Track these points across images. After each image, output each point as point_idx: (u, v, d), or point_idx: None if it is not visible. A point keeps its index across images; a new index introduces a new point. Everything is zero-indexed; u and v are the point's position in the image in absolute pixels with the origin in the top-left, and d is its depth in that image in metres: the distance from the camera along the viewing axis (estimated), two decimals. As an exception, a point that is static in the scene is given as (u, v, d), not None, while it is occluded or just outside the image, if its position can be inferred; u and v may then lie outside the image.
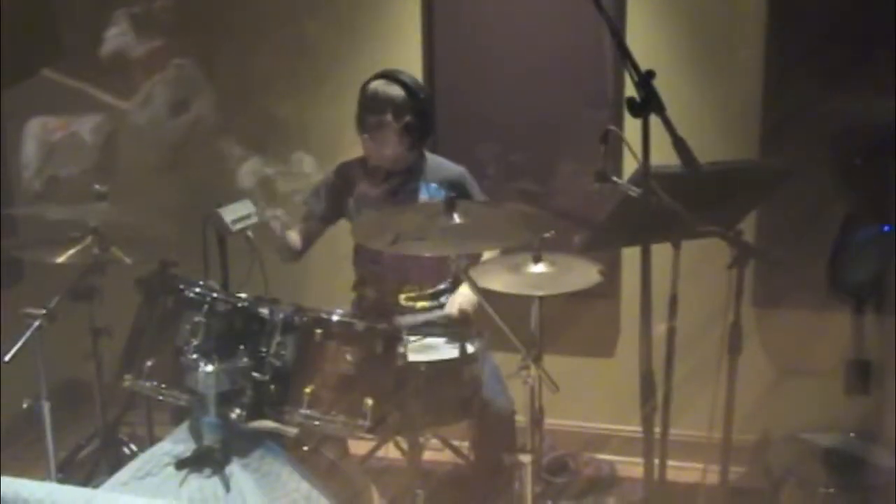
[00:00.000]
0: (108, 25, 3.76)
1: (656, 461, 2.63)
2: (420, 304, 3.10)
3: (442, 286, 3.13)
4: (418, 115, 3.00)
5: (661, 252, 2.48)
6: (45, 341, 2.79)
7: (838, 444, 3.25)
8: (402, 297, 3.12)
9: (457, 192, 3.04)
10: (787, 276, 3.29)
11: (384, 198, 3.11)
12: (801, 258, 3.25)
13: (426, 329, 2.95)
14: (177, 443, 2.52)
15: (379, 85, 3.00)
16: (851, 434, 3.28)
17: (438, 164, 3.16)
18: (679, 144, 2.07)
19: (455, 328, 2.94)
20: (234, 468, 2.40)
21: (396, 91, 2.98)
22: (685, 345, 2.77)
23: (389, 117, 2.97)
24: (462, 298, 2.98)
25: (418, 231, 2.45)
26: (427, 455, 2.99)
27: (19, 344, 2.71)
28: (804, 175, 3.01)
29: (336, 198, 3.19)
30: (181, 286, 2.58)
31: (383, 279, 3.13)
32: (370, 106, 2.99)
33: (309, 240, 3.22)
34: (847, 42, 3.24)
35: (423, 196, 3.10)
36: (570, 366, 3.49)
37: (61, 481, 2.95)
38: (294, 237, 3.15)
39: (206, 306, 2.51)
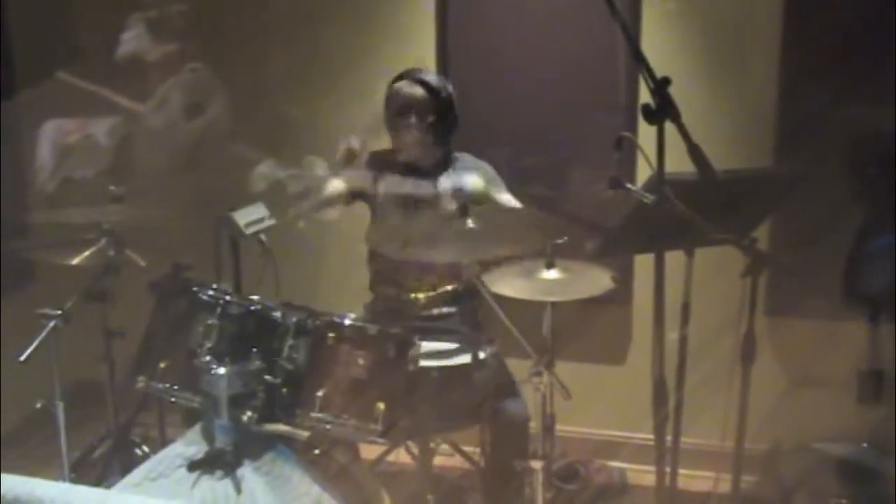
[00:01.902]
0: (123, 29, 3.79)
1: (668, 469, 2.62)
2: (436, 310, 3.10)
3: (458, 287, 3.13)
4: (441, 114, 3.04)
5: (675, 259, 2.48)
6: (59, 342, 2.80)
7: (851, 454, 3.23)
8: (420, 296, 3.12)
9: (483, 178, 3.08)
10: (801, 285, 3.28)
11: (410, 190, 3.13)
12: (814, 267, 3.24)
13: (438, 334, 2.95)
14: (189, 445, 2.52)
15: (402, 86, 3.05)
16: (864, 444, 3.26)
17: (464, 159, 3.19)
18: (694, 151, 2.07)
19: (468, 332, 2.95)
20: (246, 471, 2.40)
21: (418, 91, 3.03)
22: (698, 353, 2.77)
23: (413, 119, 3.02)
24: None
25: (431, 236, 2.46)
26: (438, 460, 3.00)
27: (35, 344, 2.73)
28: (818, 183, 3.01)
29: (363, 181, 3.17)
30: (195, 289, 2.58)
31: (399, 276, 3.13)
32: (394, 107, 3.05)
33: (325, 203, 3.14)
34: (862, 50, 3.24)
35: (446, 185, 3.11)
36: (581, 372, 3.48)
37: (74, 481, 2.96)
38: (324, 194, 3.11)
39: (219, 309, 2.52)
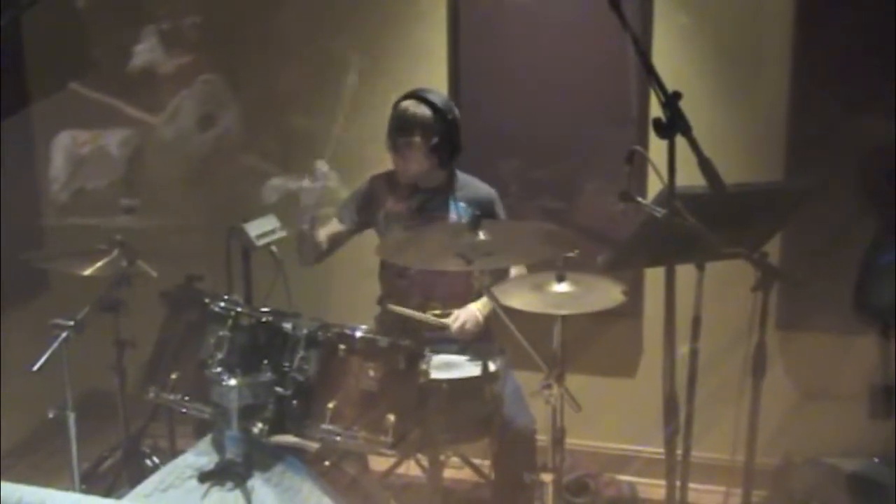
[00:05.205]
0: (136, 41, 3.82)
1: (678, 483, 2.62)
2: (444, 320, 3.10)
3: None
4: (446, 136, 3.02)
5: (685, 273, 2.48)
6: (71, 352, 2.81)
7: (862, 468, 3.21)
8: (427, 313, 3.13)
9: (484, 212, 3.05)
10: (812, 299, 3.27)
11: (413, 214, 3.13)
12: (826, 281, 3.23)
13: (449, 346, 2.96)
14: (199, 456, 2.53)
15: (409, 105, 3.03)
16: (875, 459, 3.24)
17: (468, 182, 3.17)
18: (705, 165, 2.06)
19: (476, 344, 2.95)
20: (256, 482, 2.41)
21: (425, 112, 3.00)
22: (708, 366, 2.76)
23: (418, 138, 2.99)
24: (466, 315, 3.00)
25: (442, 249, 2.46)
26: (447, 473, 3.00)
27: (47, 354, 2.74)
28: (830, 197, 3.01)
29: (366, 209, 3.21)
30: (206, 300, 2.60)
31: (408, 295, 3.14)
32: (400, 126, 3.02)
33: (333, 245, 3.20)
34: (873, 62, 3.23)
35: (452, 214, 3.11)
36: (592, 386, 3.48)
37: (84, 492, 2.96)
38: (322, 237, 3.13)
39: (230, 320, 2.53)
